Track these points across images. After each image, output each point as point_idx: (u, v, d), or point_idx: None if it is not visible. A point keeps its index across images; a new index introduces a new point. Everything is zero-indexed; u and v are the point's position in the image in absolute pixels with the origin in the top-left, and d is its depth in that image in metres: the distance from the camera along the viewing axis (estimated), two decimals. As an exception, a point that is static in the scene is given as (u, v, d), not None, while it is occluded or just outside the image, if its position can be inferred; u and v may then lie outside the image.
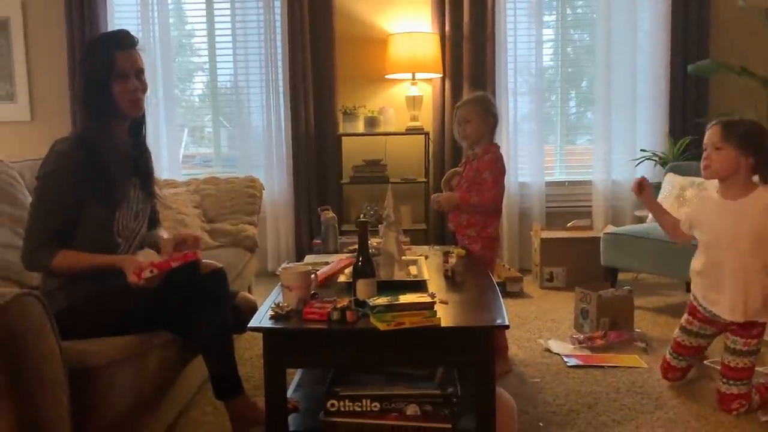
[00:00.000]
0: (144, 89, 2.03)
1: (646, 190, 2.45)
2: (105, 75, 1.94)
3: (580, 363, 2.76)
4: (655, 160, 4.35)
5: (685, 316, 2.42)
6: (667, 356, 2.49)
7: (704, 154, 2.23)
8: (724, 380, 2.28)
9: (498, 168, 2.67)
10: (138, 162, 2.12)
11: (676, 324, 3.25)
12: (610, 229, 3.81)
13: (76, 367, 1.55)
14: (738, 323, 2.26)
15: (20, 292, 1.34)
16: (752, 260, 2.21)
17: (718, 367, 2.53)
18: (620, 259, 3.60)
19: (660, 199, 3.70)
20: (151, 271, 1.89)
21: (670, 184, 3.68)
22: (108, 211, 1.99)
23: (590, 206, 4.58)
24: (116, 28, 4.29)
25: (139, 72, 2.01)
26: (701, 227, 2.33)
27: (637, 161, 4.42)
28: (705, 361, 2.65)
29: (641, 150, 4.42)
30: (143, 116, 2.10)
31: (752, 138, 2.17)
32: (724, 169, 2.19)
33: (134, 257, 1.98)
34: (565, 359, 2.80)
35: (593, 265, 3.79)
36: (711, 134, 2.22)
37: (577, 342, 2.98)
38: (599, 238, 3.73)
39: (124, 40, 1.98)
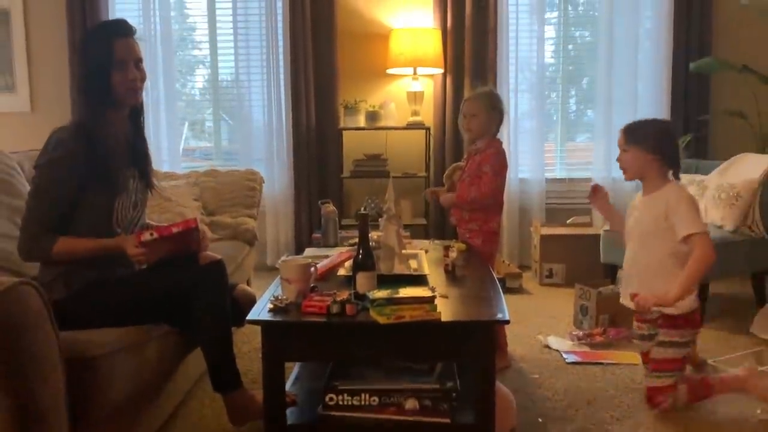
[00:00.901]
0: (143, 78, 2.02)
1: (599, 195, 2.56)
2: (104, 64, 1.93)
3: (579, 359, 2.75)
4: (656, 158, 4.34)
5: (635, 323, 2.45)
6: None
7: (618, 158, 2.36)
8: (649, 373, 2.30)
9: (499, 162, 2.66)
10: (136, 151, 2.12)
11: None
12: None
13: (73, 357, 1.54)
14: (664, 317, 2.26)
15: (18, 281, 1.33)
16: (646, 251, 2.27)
17: (725, 368, 2.54)
18: (620, 256, 3.54)
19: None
20: (151, 234, 1.87)
21: (671, 181, 3.67)
22: (108, 199, 1.98)
23: (590, 203, 4.56)
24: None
25: (138, 61, 2.00)
26: (627, 225, 2.42)
27: (638, 159, 4.41)
28: (710, 361, 2.65)
29: (642, 148, 4.41)
30: (141, 105, 2.10)
31: (651, 138, 2.26)
32: (633, 169, 2.31)
33: (133, 235, 1.98)
34: (564, 356, 2.80)
35: (593, 262, 3.78)
36: (619, 138, 2.34)
37: (577, 339, 2.97)
38: (599, 235, 3.72)
39: (121, 28, 1.97)
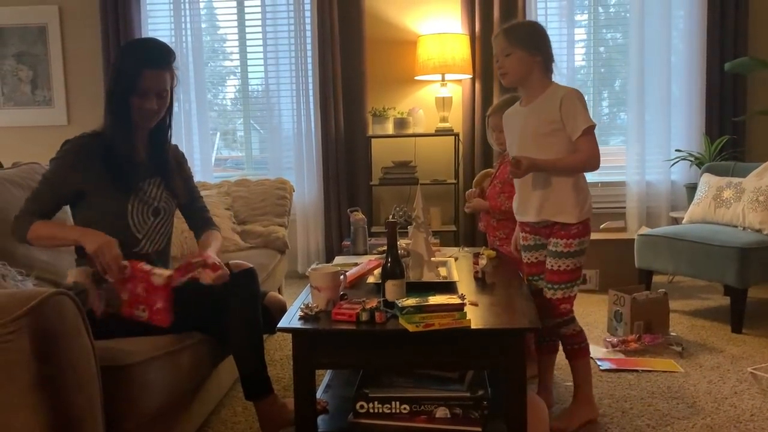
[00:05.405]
0: (163, 106, 2.03)
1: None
2: (126, 89, 1.95)
3: (614, 367, 2.71)
4: (690, 161, 4.26)
5: (521, 234, 2.34)
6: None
7: (497, 66, 2.20)
8: (549, 286, 2.21)
9: None
10: (157, 160, 2.14)
11: (712, 327, 3.20)
12: (645, 230, 3.74)
13: (108, 366, 1.57)
14: (558, 226, 2.18)
15: (54, 291, 1.36)
16: (543, 154, 2.14)
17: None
18: (655, 261, 3.53)
19: (696, 200, 3.62)
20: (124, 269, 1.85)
21: (707, 184, 3.59)
22: (119, 202, 2.01)
23: (624, 207, 4.50)
24: (150, 34, 4.38)
25: (162, 91, 2.00)
26: (508, 140, 2.31)
27: (672, 161, 4.33)
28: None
29: (676, 150, 4.34)
30: (165, 118, 2.10)
31: (535, 36, 2.16)
32: (518, 72, 2.15)
33: (103, 235, 1.87)
34: (599, 363, 2.75)
35: (627, 267, 3.73)
36: (497, 44, 2.19)
37: (611, 345, 2.92)
38: (633, 239, 3.66)
39: (156, 60, 1.97)
